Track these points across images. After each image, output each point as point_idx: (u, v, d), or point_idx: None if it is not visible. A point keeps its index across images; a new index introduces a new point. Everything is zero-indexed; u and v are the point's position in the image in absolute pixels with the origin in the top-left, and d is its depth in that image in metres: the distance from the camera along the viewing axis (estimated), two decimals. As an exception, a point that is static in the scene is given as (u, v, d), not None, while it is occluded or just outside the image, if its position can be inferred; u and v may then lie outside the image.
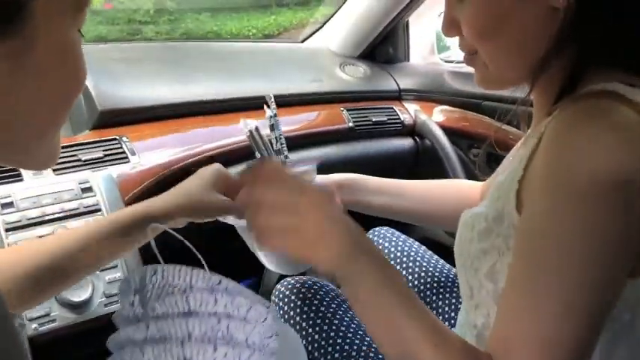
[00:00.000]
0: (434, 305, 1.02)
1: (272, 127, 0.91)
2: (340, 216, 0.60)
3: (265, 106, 0.91)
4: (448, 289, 1.02)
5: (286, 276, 1.07)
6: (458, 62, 1.67)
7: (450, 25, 0.64)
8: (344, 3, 1.72)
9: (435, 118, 1.58)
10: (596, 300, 0.50)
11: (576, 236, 0.49)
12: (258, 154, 0.91)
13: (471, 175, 1.43)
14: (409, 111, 1.63)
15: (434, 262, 1.08)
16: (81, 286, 0.98)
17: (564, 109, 0.55)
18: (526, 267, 0.53)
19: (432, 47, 1.76)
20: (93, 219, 1.03)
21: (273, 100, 0.92)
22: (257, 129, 0.90)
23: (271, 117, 0.91)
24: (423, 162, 1.62)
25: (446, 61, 1.75)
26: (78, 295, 0.97)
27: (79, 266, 0.70)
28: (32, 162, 0.46)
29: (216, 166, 0.78)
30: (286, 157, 0.96)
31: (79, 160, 1.11)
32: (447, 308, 1.00)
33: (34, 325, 0.94)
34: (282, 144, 0.95)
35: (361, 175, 0.97)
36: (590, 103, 0.54)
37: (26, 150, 0.43)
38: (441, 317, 1.00)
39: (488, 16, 0.58)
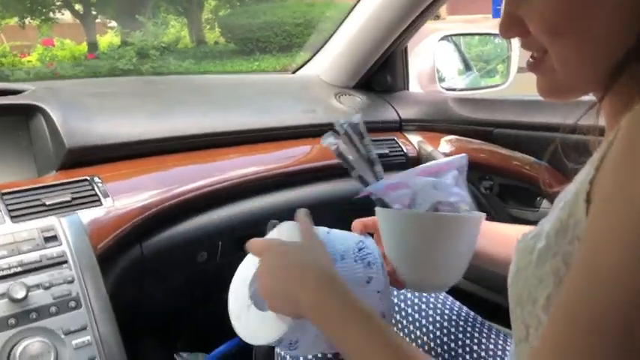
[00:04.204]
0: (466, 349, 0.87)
1: (361, 135, 0.80)
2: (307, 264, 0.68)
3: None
4: (476, 332, 0.89)
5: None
6: (461, 90, 1.57)
7: (510, 24, 0.56)
8: (335, 32, 1.62)
9: (442, 149, 1.48)
10: None
11: None
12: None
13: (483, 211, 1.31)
14: (412, 142, 1.53)
15: (453, 306, 0.94)
16: (41, 353, 0.83)
17: None
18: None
19: (431, 75, 1.65)
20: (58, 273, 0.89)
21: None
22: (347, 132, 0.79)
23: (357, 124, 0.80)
24: (429, 197, 1.50)
25: (447, 89, 1.64)
26: (36, 366, 0.82)
27: None
28: None
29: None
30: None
31: (42, 205, 0.98)
32: (483, 353, 0.86)
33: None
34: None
35: None
36: None
37: None
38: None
39: (563, 9, 0.51)
